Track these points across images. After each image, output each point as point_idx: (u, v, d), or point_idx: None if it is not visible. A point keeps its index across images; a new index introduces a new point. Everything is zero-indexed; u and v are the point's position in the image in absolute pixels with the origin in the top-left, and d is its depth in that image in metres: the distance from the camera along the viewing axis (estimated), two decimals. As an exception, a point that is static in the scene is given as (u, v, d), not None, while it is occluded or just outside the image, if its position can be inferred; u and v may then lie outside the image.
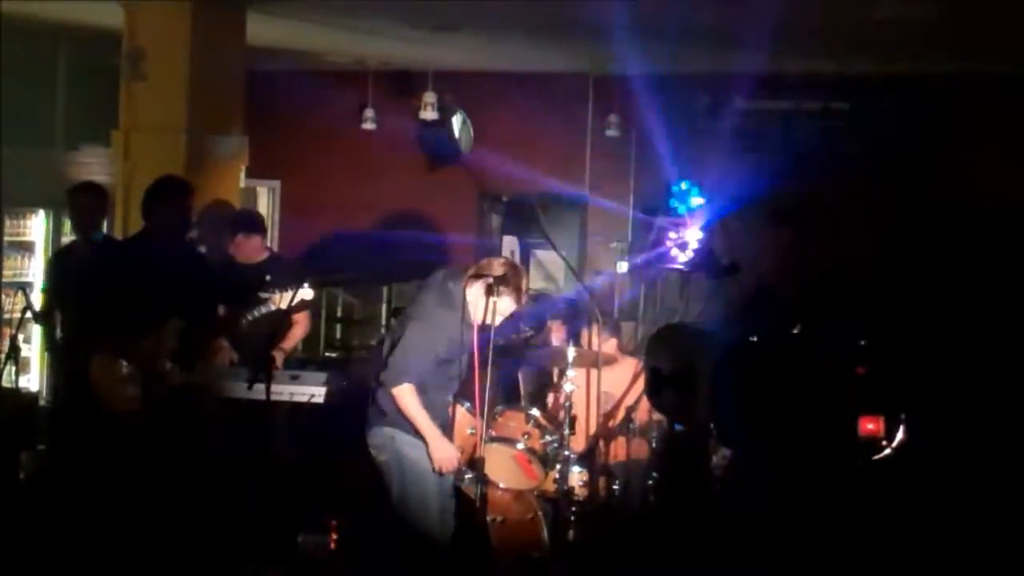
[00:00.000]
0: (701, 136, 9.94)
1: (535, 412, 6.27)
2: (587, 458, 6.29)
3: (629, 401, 6.31)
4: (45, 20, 8.20)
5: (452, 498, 5.29)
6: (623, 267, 10.10)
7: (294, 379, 6.14)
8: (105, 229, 6.62)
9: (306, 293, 5.67)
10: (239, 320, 6.01)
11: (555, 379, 6.80)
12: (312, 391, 6.12)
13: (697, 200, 9.35)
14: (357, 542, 5.64)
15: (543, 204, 10.24)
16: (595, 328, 6.41)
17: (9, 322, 7.44)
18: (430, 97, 10.13)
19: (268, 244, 7.19)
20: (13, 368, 6.73)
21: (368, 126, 10.55)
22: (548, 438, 6.12)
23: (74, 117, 8.95)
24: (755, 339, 4.79)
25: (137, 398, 5.40)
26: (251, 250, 6.68)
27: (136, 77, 7.08)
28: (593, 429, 6.38)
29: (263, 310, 5.74)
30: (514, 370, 7.26)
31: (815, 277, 9.06)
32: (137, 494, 5.37)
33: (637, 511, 6.15)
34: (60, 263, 6.69)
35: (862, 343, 4.77)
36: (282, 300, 5.74)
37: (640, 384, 6.23)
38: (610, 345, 6.66)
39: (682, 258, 9.22)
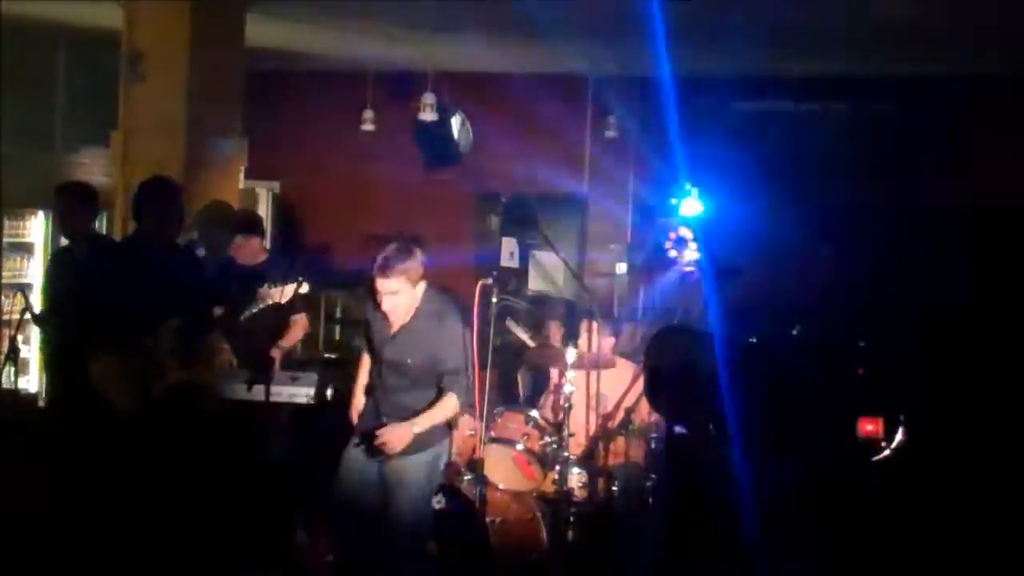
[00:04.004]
0: (701, 137, 9.93)
1: (534, 413, 6.27)
2: (586, 459, 6.28)
3: (628, 402, 6.30)
4: (45, 20, 8.20)
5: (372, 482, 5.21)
6: (622, 268, 10.09)
7: (293, 380, 6.14)
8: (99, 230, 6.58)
9: (303, 287, 5.65)
10: (237, 319, 6.00)
11: (554, 380, 6.79)
12: (311, 392, 6.12)
13: (697, 201, 9.34)
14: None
15: (542, 205, 10.25)
16: (594, 327, 6.40)
17: (8, 323, 7.44)
18: (429, 98, 10.12)
19: (267, 245, 7.18)
20: (12, 369, 6.73)
21: (367, 127, 10.55)
22: (547, 439, 6.11)
23: (73, 118, 8.94)
24: (755, 340, 4.79)
25: (136, 398, 5.40)
26: (251, 252, 6.68)
27: (135, 78, 7.07)
28: (592, 430, 6.37)
29: (260, 306, 5.73)
30: (513, 371, 7.27)
31: (814, 278, 9.06)
32: (137, 494, 5.36)
33: (636, 512, 6.14)
34: (54, 267, 6.62)
35: (862, 343, 4.77)
36: (280, 295, 5.71)
37: (639, 385, 6.23)
38: (607, 344, 6.63)
39: (682, 259, 9.20)
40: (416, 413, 5.10)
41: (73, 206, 6.15)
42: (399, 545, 5.10)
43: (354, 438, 5.25)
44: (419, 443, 5.12)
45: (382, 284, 4.98)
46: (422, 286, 5.09)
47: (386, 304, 5.03)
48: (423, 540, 5.26)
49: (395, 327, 5.13)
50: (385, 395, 5.22)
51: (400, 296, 5.01)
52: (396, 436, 5.03)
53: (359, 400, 5.42)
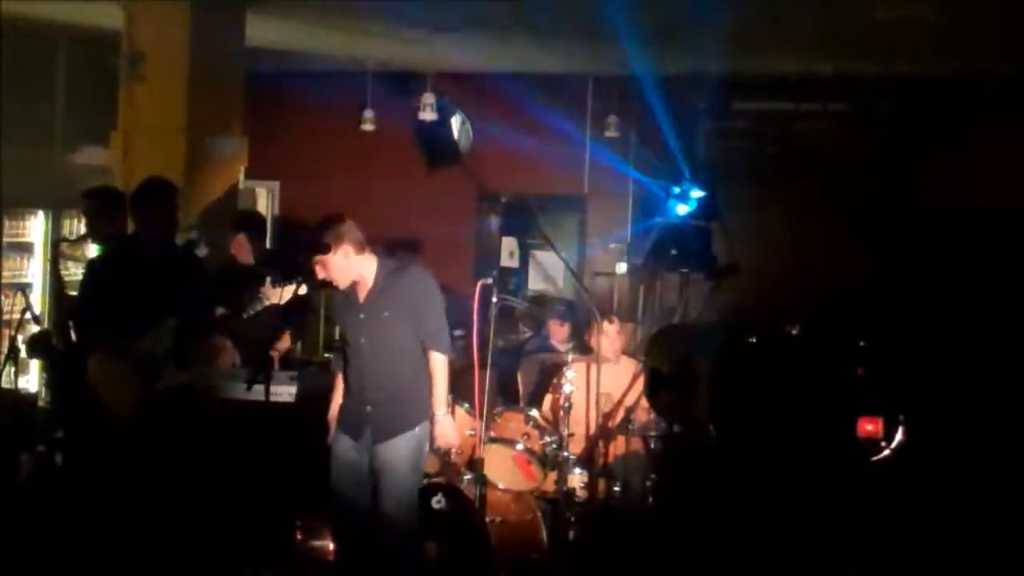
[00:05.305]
0: (701, 137, 9.94)
1: (534, 413, 6.27)
2: (586, 459, 6.29)
3: (628, 402, 6.31)
4: (45, 20, 8.19)
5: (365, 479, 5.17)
6: (622, 268, 10.10)
7: (293, 380, 6.13)
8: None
9: (302, 288, 5.64)
10: (238, 319, 5.99)
11: (554, 379, 6.79)
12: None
13: (696, 201, 9.35)
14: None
15: (542, 204, 10.25)
16: (596, 326, 6.42)
17: (8, 323, 7.44)
18: (429, 98, 10.12)
19: (268, 245, 7.19)
20: (12, 369, 6.73)
21: (367, 127, 10.55)
22: (547, 439, 6.11)
23: (73, 118, 8.93)
24: (755, 339, 4.79)
25: (135, 399, 5.39)
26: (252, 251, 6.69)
27: (135, 78, 7.06)
28: (592, 430, 6.38)
29: (258, 307, 5.73)
30: (514, 371, 7.27)
31: (814, 277, 9.06)
32: (136, 495, 5.36)
33: (637, 512, 6.14)
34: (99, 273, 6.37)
35: (862, 343, 4.77)
36: (279, 296, 5.69)
37: (639, 385, 6.24)
38: (618, 343, 6.65)
39: (681, 259, 9.22)
40: (401, 374, 5.07)
41: (102, 210, 6.12)
42: (389, 532, 5.04)
43: (337, 430, 5.19)
44: (401, 424, 5.06)
45: (316, 263, 4.98)
46: (371, 258, 5.06)
47: (321, 273, 5.00)
48: (413, 528, 5.19)
49: (362, 296, 5.07)
50: (366, 370, 5.10)
51: (332, 273, 4.98)
52: (447, 429, 5.13)
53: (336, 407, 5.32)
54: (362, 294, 5.08)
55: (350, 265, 5.00)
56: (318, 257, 4.95)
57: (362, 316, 5.07)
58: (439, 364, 5.10)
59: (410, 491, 5.12)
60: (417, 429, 5.10)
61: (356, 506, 5.13)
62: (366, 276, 5.06)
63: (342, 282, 5.04)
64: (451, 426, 5.19)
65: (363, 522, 5.13)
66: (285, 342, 6.63)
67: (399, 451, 5.06)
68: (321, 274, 5.00)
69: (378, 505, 5.06)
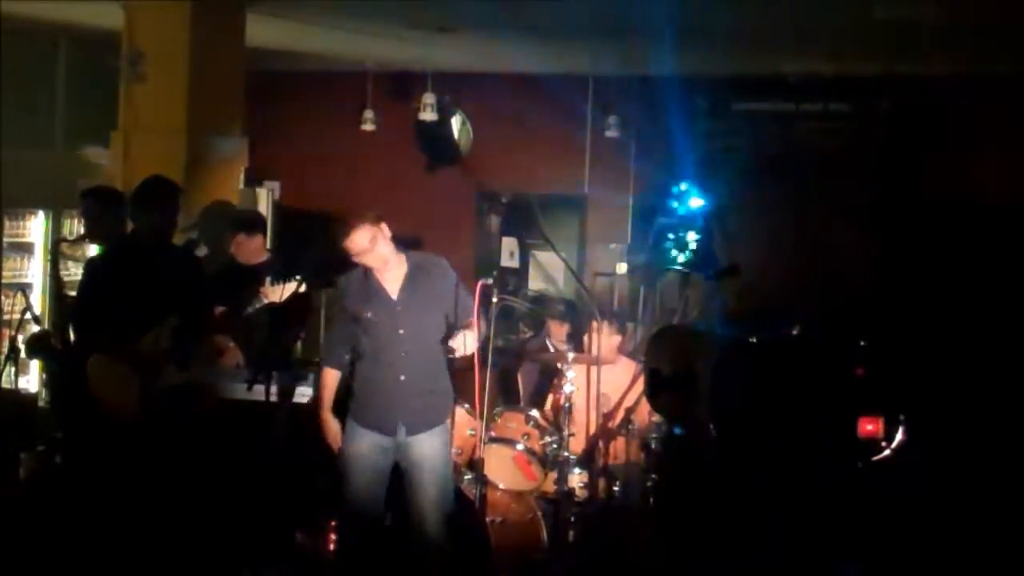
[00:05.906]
0: (701, 136, 9.95)
1: (535, 413, 6.27)
2: (587, 459, 6.28)
3: (629, 402, 6.30)
4: (45, 20, 8.19)
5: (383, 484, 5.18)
6: (622, 268, 10.10)
7: (294, 380, 6.12)
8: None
9: (301, 287, 5.63)
10: (238, 319, 5.99)
11: (555, 380, 6.79)
12: (307, 392, 6.10)
13: (697, 201, 9.36)
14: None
15: (543, 204, 10.26)
16: (597, 328, 6.41)
17: (8, 323, 7.43)
18: (429, 98, 10.13)
19: (268, 245, 7.18)
20: (12, 369, 6.73)
21: (368, 127, 10.56)
22: (548, 439, 6.11)
23: (74, 118, 8.94)
24: (755, 339, 4.78)
25: (135, 399, 5.39)
26: (252, 251, 6.69)
27: (136, 78, 7.06)
28: (593, 430, 6.37)
29: (256, 305, 5.72)
30: (514, 371, 7.27)
31: (815, 277, 9.07)
32: (135, 494, 5.36)
33: (637, 512, 6.14)
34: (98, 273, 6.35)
35: (862, 343, 4.76)
36: (279, 295, 5.68)
37: (640, 385, 6.23)
38: (612, 342, 6.65)
39: (681, 259, 9.21)
40: (435, 364, 5.17)
41: (102, 210, 6.10)
42: (432, 525, 5.08)
43: (356, 428, 5.17)
44: (437, 414, 5.18)
45: (355, 243, 4.96)
46: (401, 254, 5.11)
47: (371, 260, 5.01)
48: (449, 521, 5.21)
49: (395, 292, 5.10)
50: (405, 362, 5.10)
51: (378, 249, 4.99)
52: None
53: (333, 424, 5.28)
54: (393, 286, 5.11)
55: (389, 248, 5.05)
56: (364, 239, 4.94)
57: (399, 308, 5.10)
58: (469, 334, 5.18)
59: (449, 481, 5.24)
60: (447, 422, 5.24)
61: (373, 504, 5.15)
62: (396, 266, 5.11)
63: (380, 263, 5.04)
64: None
65: (379, 520, 5.18)
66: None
67: (435, 443, 5.15)
68: (366, 258, 4.99)
69: (418, 499, 5.09)
